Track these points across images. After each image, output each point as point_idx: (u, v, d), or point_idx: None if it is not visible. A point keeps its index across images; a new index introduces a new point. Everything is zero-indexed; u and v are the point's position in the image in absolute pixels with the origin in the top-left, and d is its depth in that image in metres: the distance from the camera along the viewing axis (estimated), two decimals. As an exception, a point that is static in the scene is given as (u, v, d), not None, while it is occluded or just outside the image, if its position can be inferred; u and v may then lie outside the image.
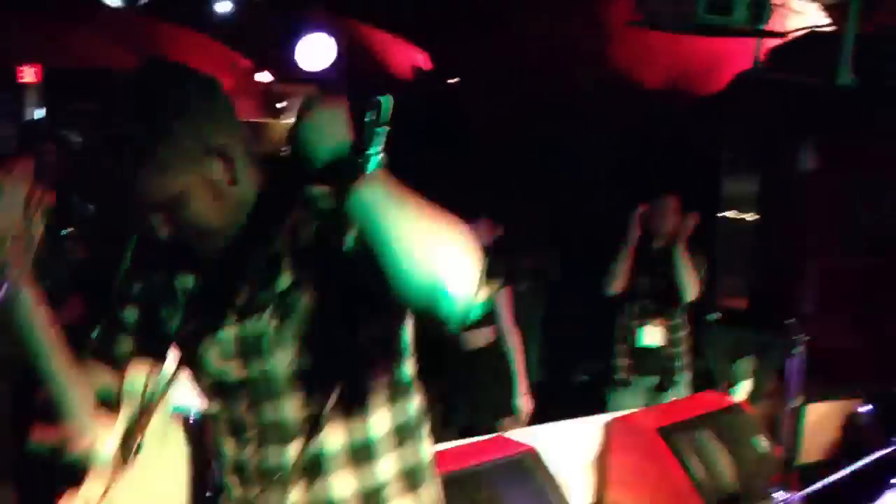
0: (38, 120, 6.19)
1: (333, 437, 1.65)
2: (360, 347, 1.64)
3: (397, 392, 1.71)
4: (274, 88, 11.26)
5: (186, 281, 1.74)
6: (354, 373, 1.65)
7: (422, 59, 8.85)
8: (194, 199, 1.58)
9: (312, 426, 1.63)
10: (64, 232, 4.90)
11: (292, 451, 1.65)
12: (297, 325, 1.61)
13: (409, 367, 1.75)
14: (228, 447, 1.74)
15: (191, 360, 1.75)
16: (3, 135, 11.49)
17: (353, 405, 1.65)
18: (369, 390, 1.66)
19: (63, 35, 10.15)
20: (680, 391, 4.84)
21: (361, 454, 1.67)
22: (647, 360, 4.84)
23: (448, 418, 4.53)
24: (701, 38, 6.41)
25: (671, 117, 6.51)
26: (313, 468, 1.66)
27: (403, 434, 1.72)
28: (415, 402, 1.76)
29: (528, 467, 3.24)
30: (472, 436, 3.67)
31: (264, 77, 11.23)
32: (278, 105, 11.08)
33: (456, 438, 3.64)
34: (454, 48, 7.59)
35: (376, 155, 1.89)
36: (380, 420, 1.68)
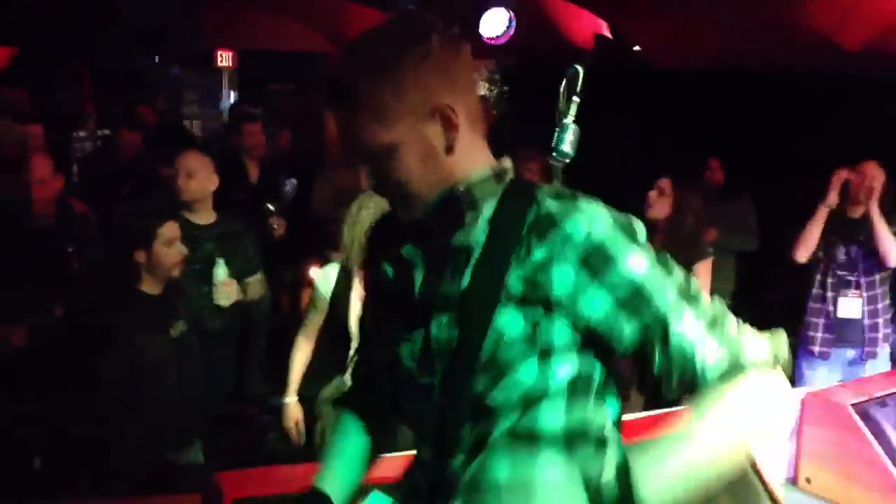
0: (246, 104, 6.55)
1: (498, 463, 1.50)
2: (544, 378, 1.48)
3: (574, 436, 1.51)
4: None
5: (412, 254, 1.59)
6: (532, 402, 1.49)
7: (604, 28, 8.77)
8: (404, 154, 1.47)
9: (477, 445, 1.51)
10: (270, 207, 5.19)
11: (457, 464, 1.53)
12: (475, 335, 1.47)
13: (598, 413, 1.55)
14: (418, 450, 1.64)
15: (386, 355, 1.64)
16: (207, 115, 12.22)
17: (522, 435, 1.50)
18: (544, 425, 1.50)
19: (255, 20, 10.64)
20: (879, 365, 4.66)
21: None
22: (845, 332, 4.69)
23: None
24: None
25: (871, 79, 6.21)
26: (474, 487, 1.52)
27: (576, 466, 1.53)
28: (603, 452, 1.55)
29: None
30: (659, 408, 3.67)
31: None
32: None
33: (642, 410, 3.65)
34: (636, 15, 7.47)
35: (570, 125, 1.95)
36: (549, 459, 1.51)
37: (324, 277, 3.82)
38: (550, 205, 1.46)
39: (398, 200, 1.54)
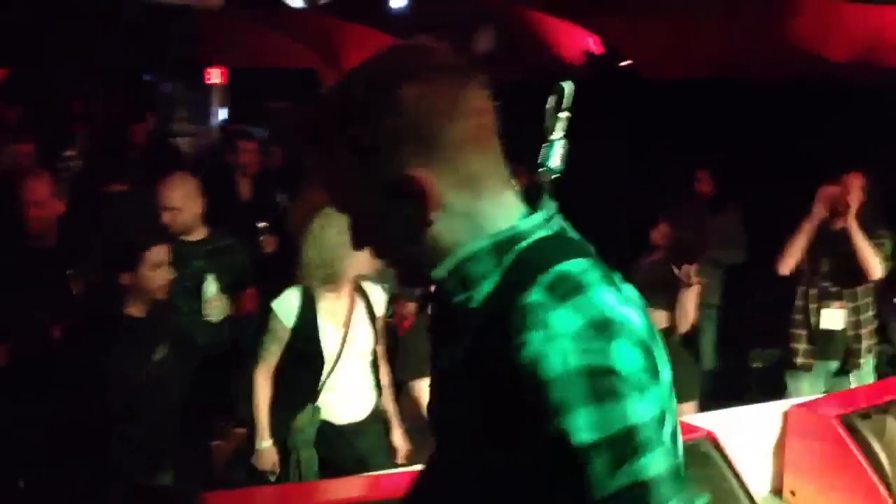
0: (240, 121, 6.59)
1: None
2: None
3: None
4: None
5: None
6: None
7: (593, 43, 8.82)
8: (376, 222, 1.29)
9: None
10: (260, 224, 5.22)
11: None
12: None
13: None
14: None
15: None
16: (197, 131, 12.22)
17: None
18: None
19: (245, 37, 10.68)
20: (864, 377, 4.68)
21: None
22: (829, 344, 4.71)
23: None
24: (892, 7, 6.14)
25: (857, 91, 6.25)
26: None
27: None
28: None
29: (705, 451, 3.24)
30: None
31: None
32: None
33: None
34: (624, 28, 7.52)
35: (558, 141, 1.75)
36: None
37: (283, 303, 3.68)
38: (531, 299, 1.18)
39: (390, 267, 1.38)
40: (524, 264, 1.23)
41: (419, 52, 1.28)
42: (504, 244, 1.26)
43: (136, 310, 3.56)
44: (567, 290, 1.18)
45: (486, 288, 1.25)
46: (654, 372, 1.20)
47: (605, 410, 1.13)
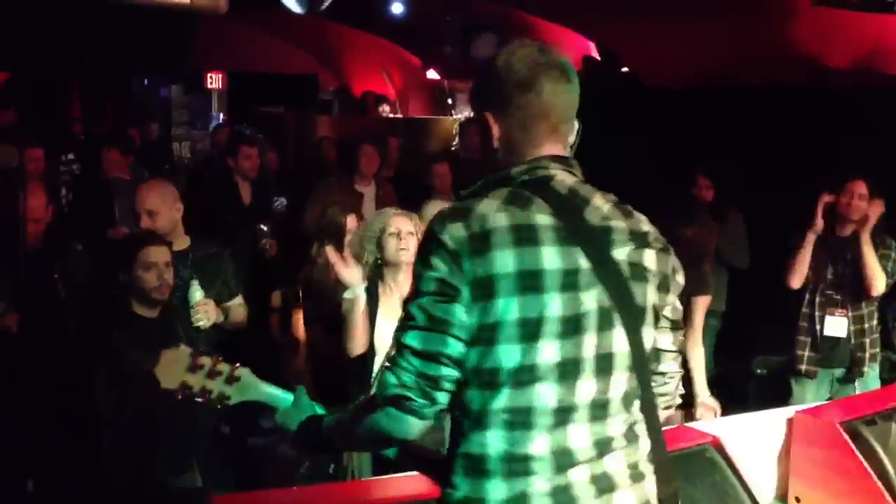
0: (242, 125, 6.58)
1: None
2: None
3: None
4: (443, 86, 11.49)
5: None
6: None
7: (592, 49, 8.84)
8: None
9: None
10: (263, 228, 5.20)
11: None
12: None
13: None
14: None
15: None
16: (196, 136, 12.22)
17: None
18: None
19: (245, 42, 10.68)
20: (867, 384, 4.67)
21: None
22: (833, 351, 4.69)
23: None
24: (891, 16, 6.16)
25: (857, 98, 6.26)
26: None
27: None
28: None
29: (711, 458, 3.23)
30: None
31: (433, 75, 11.47)
32: (448, 101, 11.31)
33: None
34: (625, 35, 7.53)
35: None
36: None
37: (356, 296, 3.58)
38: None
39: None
40: (492, 185, 1.87)
41: (524, 45, 1.93)
42: (495, 181, 1.87)
43: (143, 310, 3.56)
44: (456, 211, 1.80)
45: None
46: (459, 276, 1.73)
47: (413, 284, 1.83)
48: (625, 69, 8.67)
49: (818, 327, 4.69)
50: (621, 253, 1.82)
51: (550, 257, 1.74)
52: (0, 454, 3.86)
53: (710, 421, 3.87)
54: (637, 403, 1.84)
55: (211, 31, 10.00)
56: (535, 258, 1.73)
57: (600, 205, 1.84)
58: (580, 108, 1.97)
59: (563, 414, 1.74)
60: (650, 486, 1.83)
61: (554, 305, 1.73)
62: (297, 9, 8.90)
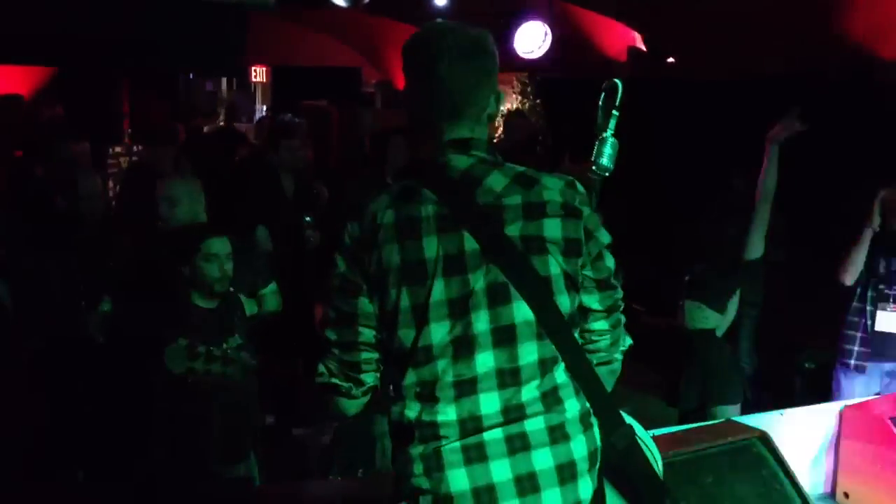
0: (286, 116, 6.61)
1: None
2: None
3: None
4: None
5: None
6: None
7: (636, 40, 8.76)
8: None
9: None
10: (307, 219, 5.24)
11: None
12: None
13: None
14: None
15: None
16: (240, 129, 12.34)
17: None
18: None
19: (288, 36, 10.73)
20: (919, 378, 4.60)
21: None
22: (884, 346, 4.62)
23: (674, 401, 4.52)
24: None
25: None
26: None
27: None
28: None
29: (758, 452, 3.20)
30: (698, 420, 3.65)
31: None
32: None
33: (680, 422, 3.64)
34: (668, 26, 7.45)
35: (610, 138, 2.04)
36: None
37: None
38: None
39: None
40: None
41: (424, 28, 2.01)
42: (401, 172, 2.09)
43: (202, 300, 3.62)
44: (356, 211, 1.96)
45: None
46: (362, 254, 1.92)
47: None
48: (670, 60, 8.59)
49: (869, 322, 4.63)
50: (514, 229, 1.90)
51: (432, 246, 1.88)
52: (52, 444, 3.93)
53: (759, 415, 3.83)
54: (559, 368, 1.93)
55: (257, 26, 10.08)
56: (416, 249, 1.88)
57: (494, 184, 1.92)
58: (627, 101, 1.97)
59: (466, 385, 1.88)
60: (578, 445, 1.91)
61: (438, 290, 1.87)
62: (340, 2, 8.93)
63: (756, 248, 4.51)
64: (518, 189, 1.92)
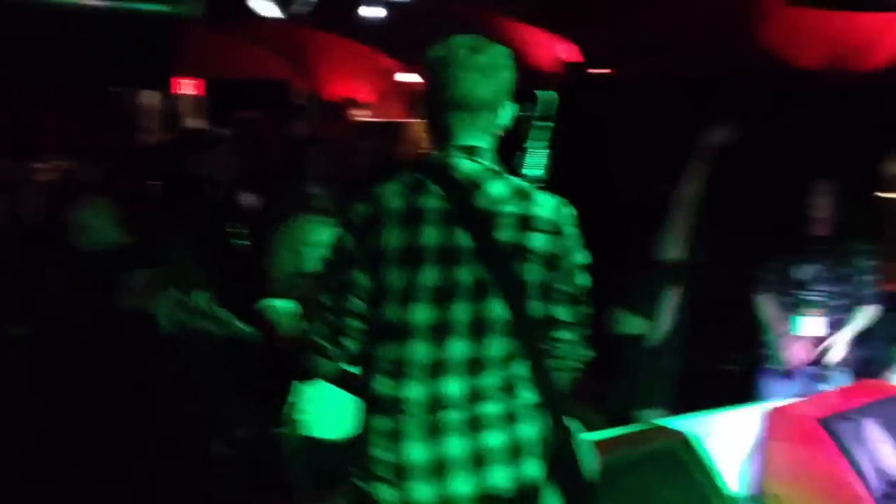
0: (208, 129, 6.59)
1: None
2: None
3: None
4: (418, 88, 11.45)
5: None
6: None
7: (569, 51, 8.81)
8: None
9: None
10: (235, 228, 5.19)
11: None
12: None
13: None
14: None
15: None
16: (162, 139, 12.17)
17: None
18: None
19: (218, 48, 10.61)
20: (840, 380, 4.65)
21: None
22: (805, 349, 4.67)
23: (601, 406, 4.53)
24: (859, 14, 6.17)
25: (826, 97, 6.26)
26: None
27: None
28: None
29: (682, 456, 3.21)
30: (623, 425, 3.65)
31: (410, 78, 11.45)
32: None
33: (607, 427, 3.63)
34: (598, 36, 7.51)
35: (539, 151, 2.15)
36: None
37: None
38: None
39: None
40: None
41: (445, 39, 2.16)
42: (411, 167, 2.19)
43: None
44: (366, 194, 2.15)
45: None
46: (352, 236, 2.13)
47: None
48: (603, 70, 8.65)
49: (792, 326, 4.67)
50: (504, 235, 2.07)
51: (430, 236, 2.08)
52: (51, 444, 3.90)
53: (684, 417, 3.85)
54: (521, 364, 2.11)
55: (190, 39, 9.95)
56: (416, 236, 2.08)
57: (494, 191, 2.10)
58: (560, 109, 2.03)
59: (436, 367, 2.07)
60: (529, 430, 2.11)
61: (429, 276, 2.07)
62: (270, 13, 8.86)
63: (670, 251, 4.55)
64: (515, 200, 2.10)
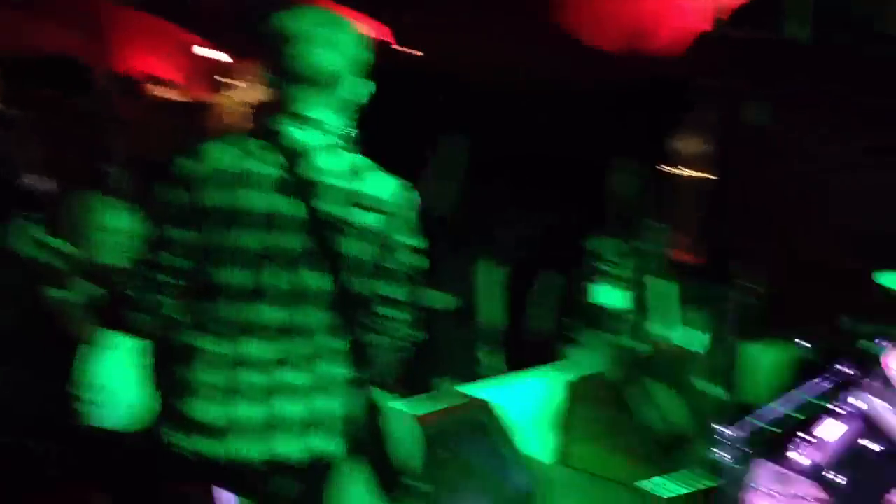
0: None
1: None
2: None
3: None
4: (225, 66, 11.15)
5: None
6: None
7: (381, 33, 8.78)
8: None
9: None
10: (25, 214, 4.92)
11: None
12: None
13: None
14: None
15: None
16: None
17: None
18: None
19: (13, 23, 10.00)
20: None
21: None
22: (604, 319, 4.88)
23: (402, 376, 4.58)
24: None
25: (622, 78, 6.48)
26: None
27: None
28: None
29: (481, 420, 3.29)
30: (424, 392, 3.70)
31: (216, 55, 11.15)
32: (226, 81, 10.98)
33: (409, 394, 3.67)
34: (403, 16, 7.51)
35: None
36: None
37: None
38: None
39: None
40: None
41: (288, 9, 2.15)
42: (245, 132, 2.17)
43: None
44: (193, 148, 2.10)
45: None
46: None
47: None
48: (417, 53, 8.67)
49: (589, 295, 4.85)
50: (329, 207, 2.09)
51: (260, 200, 2.06)
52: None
53: (484, 384, 3.94)
54: (338, 337, 2.14)
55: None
56: (246, 199, 2.05)
57: (329, 164, 2.11)
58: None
59: (249, 329, 2.08)
60: (330, 402, 2.13)
61: (254, 240, 2.06)
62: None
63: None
64: (349, 175, 2.12)
